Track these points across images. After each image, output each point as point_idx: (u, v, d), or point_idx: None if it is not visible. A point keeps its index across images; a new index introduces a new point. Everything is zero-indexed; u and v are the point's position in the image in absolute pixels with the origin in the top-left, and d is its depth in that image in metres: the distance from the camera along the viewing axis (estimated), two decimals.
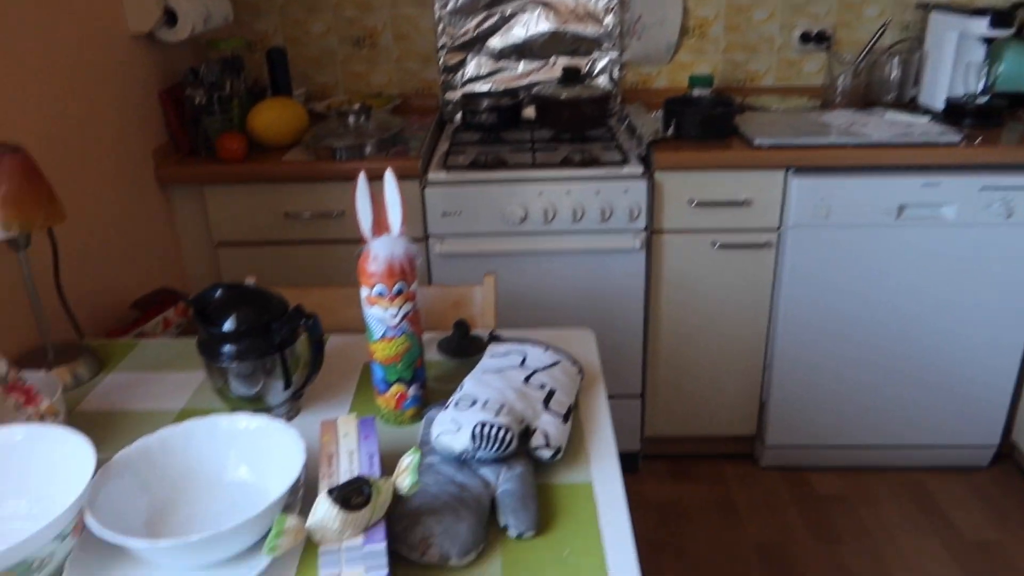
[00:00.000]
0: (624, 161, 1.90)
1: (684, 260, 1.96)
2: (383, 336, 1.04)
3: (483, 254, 1.91)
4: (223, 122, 1.96)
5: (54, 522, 0.77)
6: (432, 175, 1.88)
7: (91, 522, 0.78)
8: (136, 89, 1.85)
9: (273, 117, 1.94)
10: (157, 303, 1.59)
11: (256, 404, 1.06)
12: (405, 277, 1.02)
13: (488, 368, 1.09)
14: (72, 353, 1.24)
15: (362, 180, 1.04)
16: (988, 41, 2.02)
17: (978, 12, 1.98)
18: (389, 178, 1.05)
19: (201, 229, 1.97)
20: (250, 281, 1.46)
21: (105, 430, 1.08)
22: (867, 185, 1.87)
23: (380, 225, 1.05)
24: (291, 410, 1.11)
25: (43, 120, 1.49)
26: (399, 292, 1.02)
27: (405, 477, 0.81)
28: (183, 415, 1.12)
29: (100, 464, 0.88)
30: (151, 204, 1.85)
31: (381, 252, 1.02)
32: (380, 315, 1.03)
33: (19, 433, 0.92)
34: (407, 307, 1.03)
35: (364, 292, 1.03)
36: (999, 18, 1.95)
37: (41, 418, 0.98)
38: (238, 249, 1.96)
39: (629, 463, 2.17)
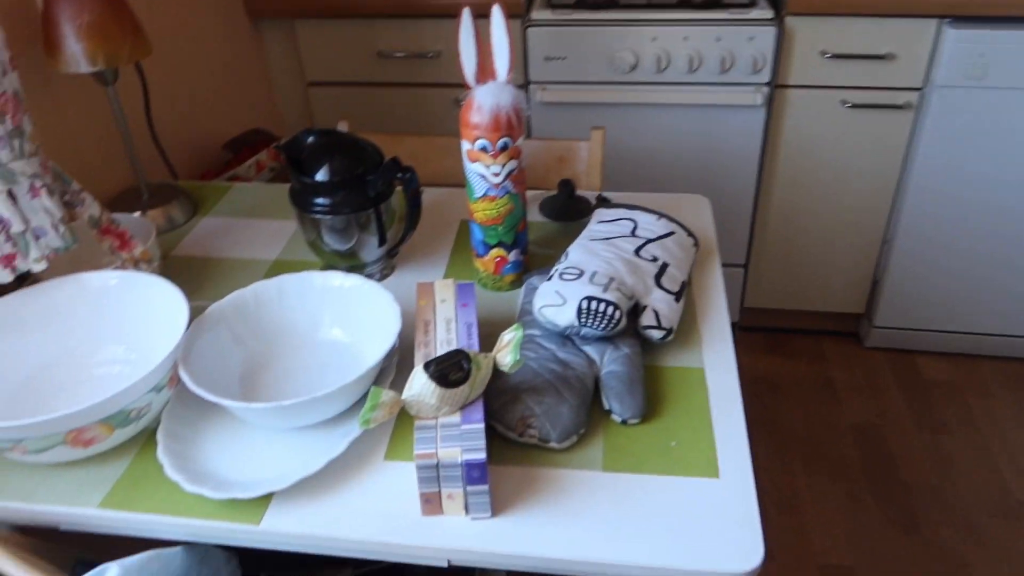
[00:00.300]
0: (752, 3, 1.69)
1: (809, 120, 1.77)
2: (484, 195, 0.96)
3: (588, 104, 1.77)
4: None
5: (150, 374, 0.75)
6: (536, 14, 1.71)
7: (185, 377, 0.76)
8: None
9: None
10: (250, 144, 1.54)
11: (350, 260, 1.01)
12: (511, 131, 0.92)
13: (596, 235, 1.00)
14: (167, 195, 1.21)
15: (466, 18, 0.92)
16: None
17: None
18: (497, 16, 0.93)
19: (293, 67, 1.88)
20: (342, 126, 1.38)
21: (199, 277, 1.06)
22: None
23: (485, 70, 0.94)
24: (385, 268, 1.06)
25: None
26: (504, 148, 0.92)
27: (506, 354, 0.75)
28: (276, 266, 1.08)
29: (194, 314, 0.86)
30: (241, 39, 1.76)
31: (486, 101, 0.92)
32: (482, 172, 0.94)
33: (114, 278, 0.90)
34: (512, 165, 0.94)
35: (465, 146, 0.94)
36: None
37: (135, 263, 0.96)
38: (330, 89, 1.87)
39: None
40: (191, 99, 1.54)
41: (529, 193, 1.21)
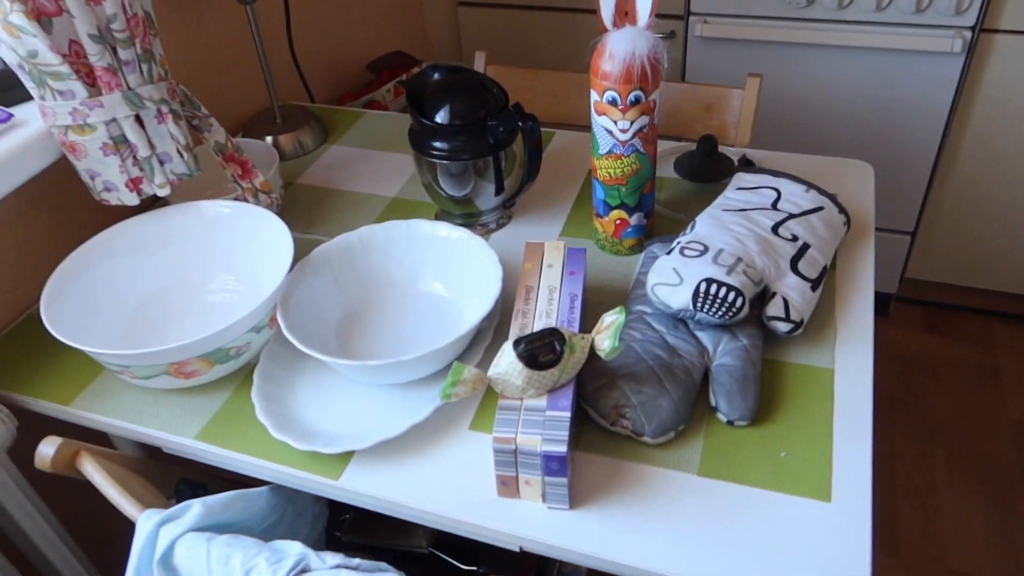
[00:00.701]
0: None
1: (1018, 73, 1.51)
2: (609, 152, 0.88)
3: (753, 42, 1.60)
4: None
5: (249, 315, 0.75)
6: None
7: (282, 323, 0.76)
8: None
9: None
10: (390, 68, 1.52)
11: (465, 206, 0.97)
12: (645, 84, 0.83)
13: (730, 205, 0.90)
14: (299, 119, 1.21)
15: None
16: None
17: None
18: None
19: None
20: (479, 58, 1.32)
21: (317, 208, 1.06)
22: None
23: (624, 12, 0.85)
24: (502, 217, 1.01)
25: None
26: (635, 102, 0.84)
27: (605, 338, 0.69)
28: (393, 205, 1.06)
29: (306, 248, 0.85)
30: None
31: (619, 49, 0.83)
32: (609, 127, 0.86)
33: (227, 207, 0.90)
34: (642, 121, 0.85)
35: (594, 96, 0.86)
36: None
37: (255, 193, 0.97)
38: (479, 10, 1.80)
39: (880, 304, 1.90)
40: (338, 16, 1.52)
41: (668, 145, 1.11)
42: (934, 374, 1.77)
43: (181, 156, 0.90)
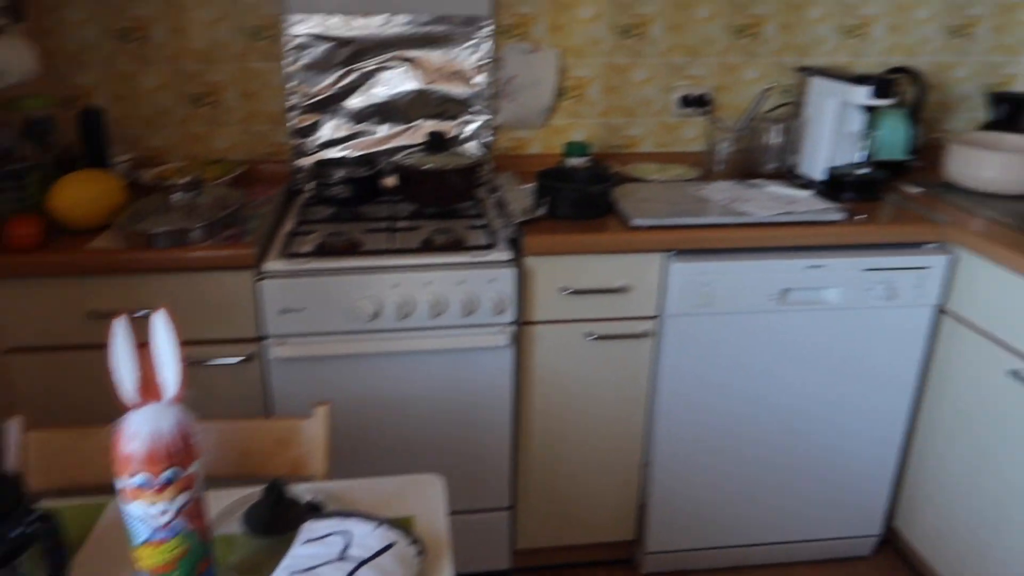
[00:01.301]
0: (491, 245, 1.72)
1: (556, 354, 1.78)
2: (148, 541, 0.79)
3: (329, 357, 1.67)
4: (17, 201, 1.65)
5: None
6: (268, 265, 1.62)
7: None
8: None
9: (77, 194, 1.64)
10: None
11: None
12: (177, 460, 0.78)
13: (298, 565, 0.86)
14: None
15: (120, 329, 0.80)
16: (869, 110, 1.95)
17: (858, 80, 1.90)
18: (160, 324, 0.82)
19: None
20: (13, 425, 1.16)
21: None
22: (750, 268, 1.75)
23: (149, 387, 0.82)
24: None
25: None
26: (170, 481, 0.78)
27: None
28: None
29: None
30: None
31: (143, 428, 0.78)
32: (143, 513, 0.78)
33: None
34: (183, 498, 0.80)
35: (120, 483, 0.78)
36: (881, 88, 1.87)
37: None
38: (34, 356, 1.63)
39: None
40: None
41: (235, 496, 1.05)
42: None
43: None
